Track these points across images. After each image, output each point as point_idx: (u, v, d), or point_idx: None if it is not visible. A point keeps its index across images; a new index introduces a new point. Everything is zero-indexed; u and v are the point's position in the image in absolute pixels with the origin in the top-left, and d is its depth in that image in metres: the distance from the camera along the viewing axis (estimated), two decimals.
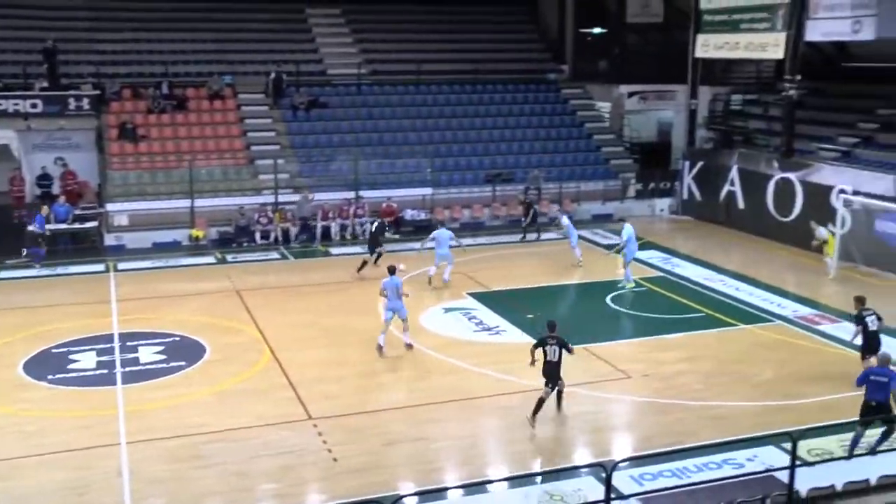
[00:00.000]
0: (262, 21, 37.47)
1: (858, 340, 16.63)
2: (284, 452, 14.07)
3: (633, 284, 23.68)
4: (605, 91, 38.00)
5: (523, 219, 29.94)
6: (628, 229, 24.11)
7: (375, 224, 25.65)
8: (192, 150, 30.89)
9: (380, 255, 24.72)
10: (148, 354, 18.40)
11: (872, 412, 13.39)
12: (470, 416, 15.59)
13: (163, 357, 18.27)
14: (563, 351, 15.07)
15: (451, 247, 24.31)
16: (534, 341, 15.84)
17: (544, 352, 15.12)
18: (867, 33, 25.75)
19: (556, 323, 15.50)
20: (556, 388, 15.23)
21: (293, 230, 29.04)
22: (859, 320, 16.68)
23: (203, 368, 17.80)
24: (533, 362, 15.18)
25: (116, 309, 21.41)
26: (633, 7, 38.35)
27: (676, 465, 13.30)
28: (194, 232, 28.31)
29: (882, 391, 13.30)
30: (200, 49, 35.78)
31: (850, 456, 13.21)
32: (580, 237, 26.94)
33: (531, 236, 29.48)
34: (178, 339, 19.38)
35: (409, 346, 18.77)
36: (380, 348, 18.43)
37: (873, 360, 14.37)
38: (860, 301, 16.98)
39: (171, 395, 16.43)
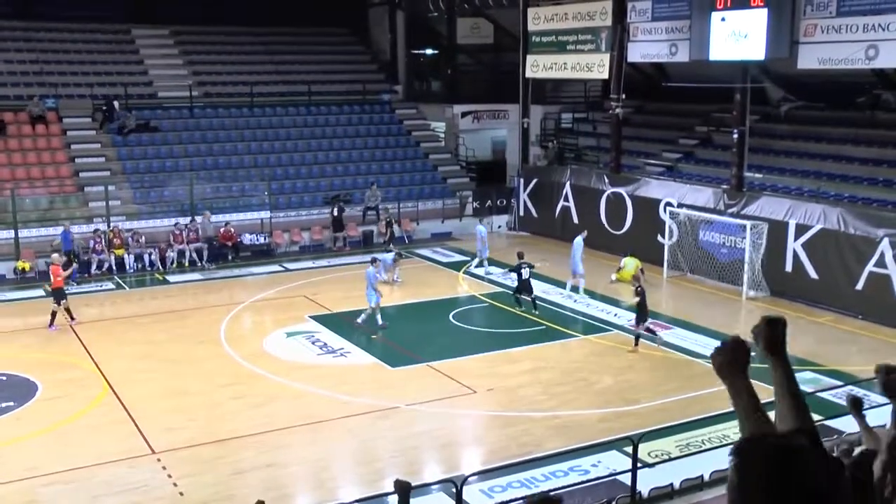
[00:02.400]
0: (87, 42, 36.42)
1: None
2: (128, 490, 13.59)
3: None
4: (439, 111, 38.57)
5: (383, 238, 30.11)
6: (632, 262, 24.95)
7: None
8: (14, 178, 29.57)
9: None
10: None
11: None
12: (319, 440, 15.50)
13: None
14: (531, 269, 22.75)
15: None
16: (378, 361, 17.49)
17: (519, 273, 22.66)
18: (682, 55, 27.25)
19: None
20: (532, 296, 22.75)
21: (128, 258, 28.26)
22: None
23: (35, 407, 16.97)
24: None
25: None
26: (464, 29, 39.31)
27: (525, 476, 13.58)
28: (20, 264, 27.04)
29: None
30: (19, 70, 34.30)
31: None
32: (421, 256, 27.12)
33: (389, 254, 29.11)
34: (4, 378, 18.48)
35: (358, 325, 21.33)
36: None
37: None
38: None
39: None
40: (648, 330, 20.36)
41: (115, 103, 32.90)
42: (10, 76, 34.00)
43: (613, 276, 26.03)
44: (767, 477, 2.34)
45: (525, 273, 22.96)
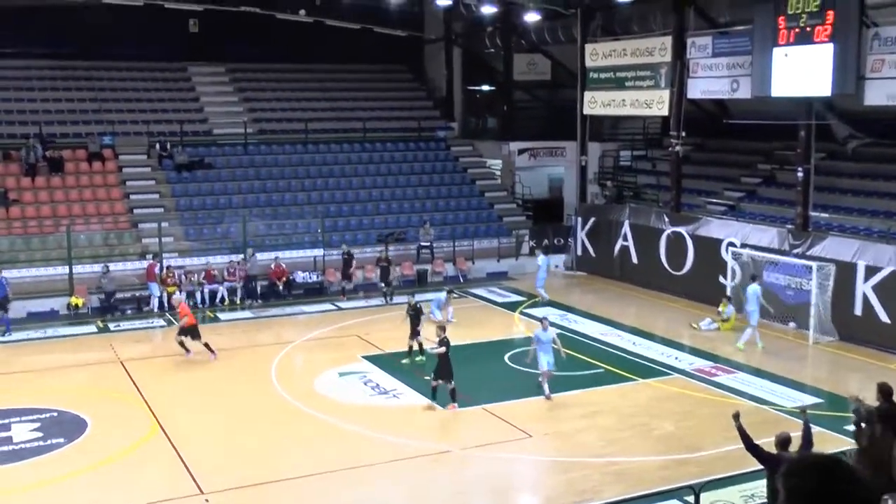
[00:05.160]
0: (143, 80, 37.06)
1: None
2: None
3: (761, 346, 23.25)
4: (495, 148, 38.54)
5: (380, 282, 29.15)
6: (754, 289, 23.69)
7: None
8: (70, 214, 30.11)
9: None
10: (22, 432, 17.52)
11: None
12: (368, 483, 15.30)
13: (39, 434, 17.43)
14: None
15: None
16: (432, 403, 17.49)
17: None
18: (744, 92, 26.88)
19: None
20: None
21: (180, 295, 28.20)
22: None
23: (83, 445, 16.99)
24: None
25: None
26: (520, 65, 39.25)
27: None
28: (73, 300, 27.37)
29: None
30: (78, 108, 35.09)
31: None
32: (475, 296, 26.92)
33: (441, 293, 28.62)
34: (55, 414, 18.55)
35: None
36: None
37: None
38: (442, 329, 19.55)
39: (48, 475, 15.61)
40: None
41: (168, 144, 33.55)
42: (70, 114, 34.75)
43: (707, 324, 25.41)
44: (812, 488, 2.74)
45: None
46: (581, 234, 34.11)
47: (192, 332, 22.44)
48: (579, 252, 34.27)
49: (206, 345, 22.47)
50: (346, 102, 39.13)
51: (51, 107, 34.76)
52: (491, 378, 21.31)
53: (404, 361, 21.92)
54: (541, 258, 29.37)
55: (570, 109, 34.98)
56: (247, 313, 28.20)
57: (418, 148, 37.97)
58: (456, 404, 18.63)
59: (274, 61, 39.41)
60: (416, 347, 22.09)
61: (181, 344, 22.45)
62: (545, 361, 19.34)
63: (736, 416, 12.09)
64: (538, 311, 27.10)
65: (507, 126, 39.56)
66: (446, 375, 18.70)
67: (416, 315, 22.19)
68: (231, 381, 21.08)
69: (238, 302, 28.87)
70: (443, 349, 18.71)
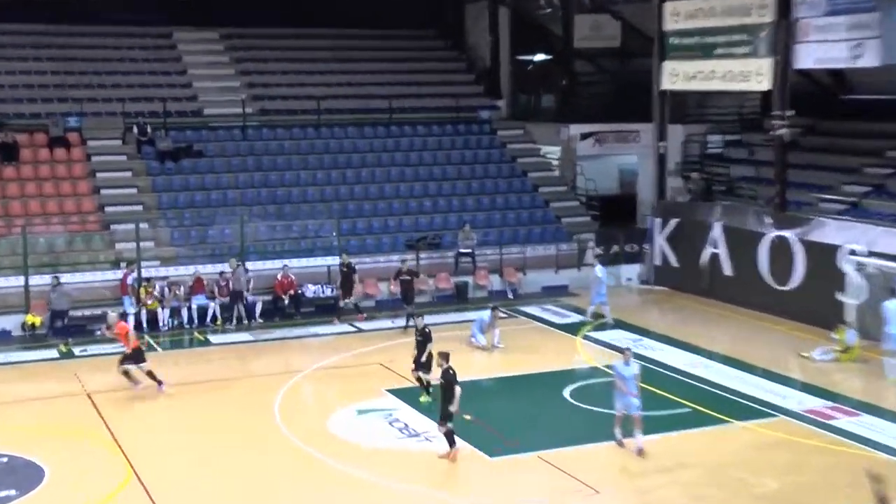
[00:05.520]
0: (118, 48, 37.34)
1: None
2: None
3: None
4: (552, 132, 38.41)
5: (402, 297, 29.06)
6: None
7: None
8: (27, 214, 30.23)
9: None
10: None
11: None
12: None
13: None
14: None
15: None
16: (474, 449, 17.49)
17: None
18: (869, 59, 26.47)
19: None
20: None
21: (162, 313, 28.55)
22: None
23: (39, 498, 16.82)
24: None
25: None
26: (583, 29, 39.08)
27: None
28: (29, 318, 27.44)
29: None
30: (37, 83, 35.36)
31: None
32: (527, 315, 27.00)
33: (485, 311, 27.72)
34: (5, 459, 18.50)
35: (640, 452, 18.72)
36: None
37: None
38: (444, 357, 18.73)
39: None
40: None
41: (148, 126, 33.55)
42: (27, 90, 34.99)
43: (821, 353, 25.15)
44: None
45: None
46: (660, 239, 33.91)
47: (135, 357, 22.41)
48: (657, 261, 34.07)
49: (150, 373, 22.39)
50: (368, 76, 39.24)
51: (3, 80, 34.93)
52: (547, 418, 21.17)
53: (423, 399, 21.73)
54: (598, 268, 29.38)
55: (646, 84, 34.89)
56: (244, 335, 28.17)
57: (456, 132, 37.97)
58: (453, 450, 18.36)
59: (278, 25, 39.54)
60: (425, 380, 21.86)
61: (126, 374, 22.40)
62: (627, 403, 18.93)
63: (875, 477, 11.67)
64: (605, 335, 27.15)
65: (567, 105, 39.58)
66: (446, 412, 18.39)
67: (423, 341, 22.00)
68: (224, 419, 20.95)
69: (233, 322, 28.92)
70: (441, 379, 18.49)
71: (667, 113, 34.89)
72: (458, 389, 18.14)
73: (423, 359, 21.76)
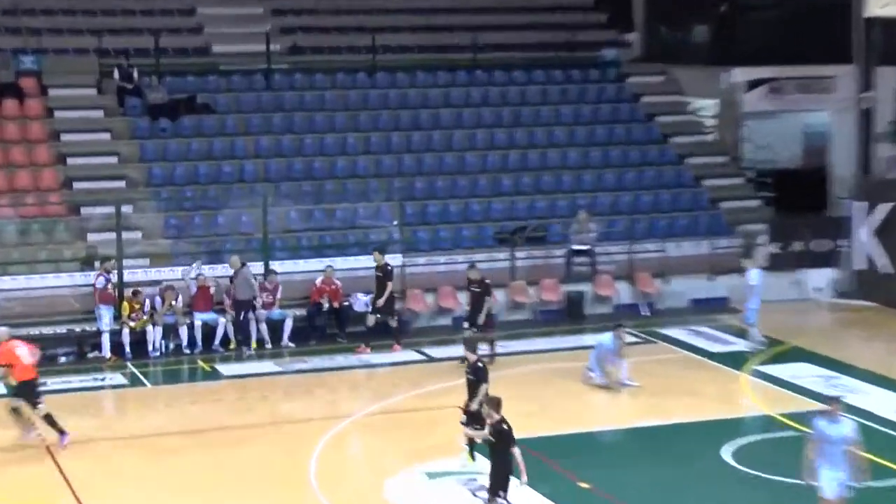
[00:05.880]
0: None
1: None
2: None
3: None
4: (706, 79, 37.81)
5: (467, 315, 28.26)
6: None
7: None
8: None
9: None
10: None
11: None
12: None
13: None
14: None
15: None
16: None
17: None
18: None
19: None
20: None
21: (152, 332, 27.92)
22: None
23: None
24: None
25: None
26: None
27: None
28: None
29: None
30: None
31: None
32: (669, 340, 28.19)
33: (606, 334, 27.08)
34: None
35: None
36: None
37: None
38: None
39: None
40: None
41: (134, 70, 33.50)
42: None
43: None
44: None
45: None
46: (864, 233, 33.11)
47: (27, 392, 21.41)
48: (861, 265, 33.46)
49: (49, 417, 21.44)
50: (442, 0, 40.00)
51: None
52: (701, 485, 20.47)
53: (466, 462, 20.79)
54: (753, 272, 28.73)
55: (842, 10, 34.46)
56: (268, 364, 27.74)
57: (569, 79, 37.85)
58: None
59: None
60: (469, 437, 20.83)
61: (15, 411, 21.59)
62: (833, 479, 16.62)
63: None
64: (785, 369, 26.47)
65: (728, 40, 38.63)
66: (498, 482, 17.17)
67: (476, 379, 20.67)
68: (239, 481, 20.24)
69: (251, 346, 28.42)
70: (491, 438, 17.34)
71: (875, 51, 34.37)
72: (516, 452, 16.72)
73: (475, 406, 20.16)
